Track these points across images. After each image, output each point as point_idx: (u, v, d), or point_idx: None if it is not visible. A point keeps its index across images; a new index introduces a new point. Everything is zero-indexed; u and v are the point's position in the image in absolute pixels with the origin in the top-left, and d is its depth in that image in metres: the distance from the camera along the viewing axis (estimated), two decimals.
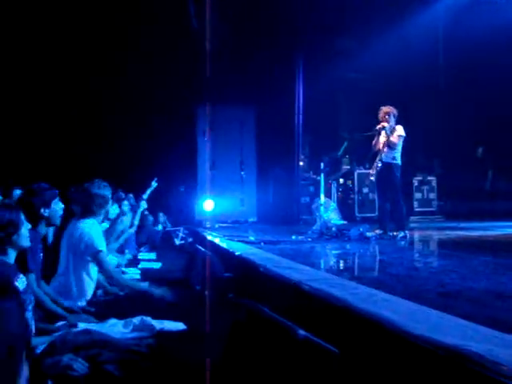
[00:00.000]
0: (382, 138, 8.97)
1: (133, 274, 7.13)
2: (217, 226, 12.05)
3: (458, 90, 13.67)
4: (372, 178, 9.44)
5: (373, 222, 10.44)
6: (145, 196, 10.12)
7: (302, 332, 2.62)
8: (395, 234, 8.82)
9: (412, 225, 11.12)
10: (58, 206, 5.01)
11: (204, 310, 4.62)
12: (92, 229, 5.29)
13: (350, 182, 13.71)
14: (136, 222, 9.85)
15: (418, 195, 13.81)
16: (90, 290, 5.27)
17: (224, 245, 7.78)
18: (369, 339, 2.92)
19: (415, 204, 13.74)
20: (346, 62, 13.29)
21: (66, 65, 13.67)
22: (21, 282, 3.84)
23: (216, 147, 13.03)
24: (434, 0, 13.27)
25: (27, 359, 3.01)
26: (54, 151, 13.65)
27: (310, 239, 8.85)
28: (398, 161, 8.93)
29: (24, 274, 3.85)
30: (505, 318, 3.15)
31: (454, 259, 6.33)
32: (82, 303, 5.05)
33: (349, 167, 14.18)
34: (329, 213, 10.29)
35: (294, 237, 9.02)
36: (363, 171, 13.14)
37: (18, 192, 9.04)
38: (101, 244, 5.25)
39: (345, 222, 11.20)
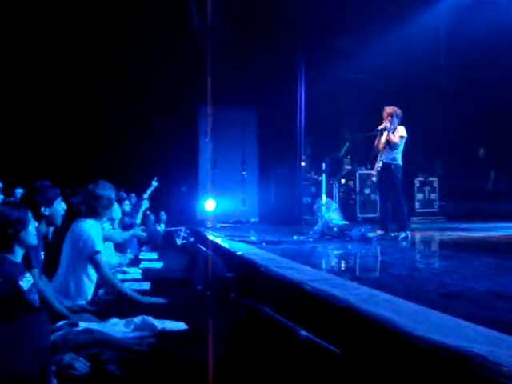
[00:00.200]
0: (384, 139, 8.97)
1: (134, 273, 7.13)
2: (218, 225, 12.06)
3: (460, 90, 13.66)
4: (374, 179, 9.44)
5: (374, 223, 10.43)
6: (145, 195, 10.14)
7: (303, 332, 2.61)
8: (397, 234, 8.81)
9: (413, 225, 11.11)
10: (59, 206, 5.01)
11: (205, 310, 4.62)
12: (92, 229, 5.29)
13: (351, 183, 13.71)
14: (138, 221, 9.86)
15: (419, 196, 13.81)
16: (89, 291, 5.26)
17: (226, 245, 7.79)
18: (370, 340, 2.92)
19: (417, 205, 13.74)
20: (347, 62, 13.29)
21: (67, 65, 13.68)
22: (26, 282, 3.85)
23: (217, 147, 13.03)
24: (435, 0, 13.28)
25: None
26: (55, 151, 13.67)
27: (311, 239, 8.85)
28: (399, 161, 8.92)
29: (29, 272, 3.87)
30: (506, 319, 3.15)
31: (455, 260, 6.33)
32: (81, 304, 5.04)
33: (350, 168, 14.18)
34: (330, 213, 10.29)
35: (295, 237, 9.02)
36: (365, 172, 13.15)
37: (19, 191, 9.08)
38: (99, 245, 5.24)
39: (346, 223, 11.19)
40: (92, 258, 5.18)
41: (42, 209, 4.77)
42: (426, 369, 2.44)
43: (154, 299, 5.15)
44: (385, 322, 2.87)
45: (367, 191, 13.27)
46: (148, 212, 10.45)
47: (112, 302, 5.18)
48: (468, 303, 3.74)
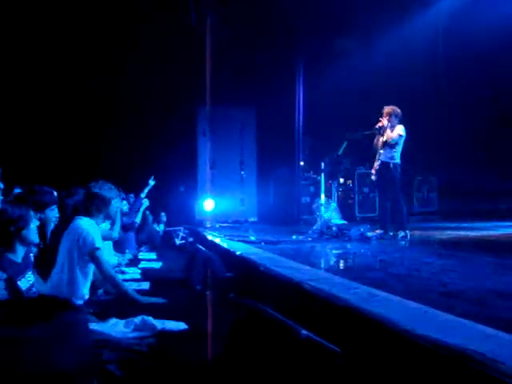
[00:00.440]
0: (383, 138, 8.98)
1: (133, 273, 7.13)
2: (217, 225, 12.06)
3: (459, 90, 13.66)
4: (373, 178, 9.44)
5: (373, 222, 10.43)
6: (142, 195, 10.13)
7: (304, 332, 2.62)
8: (396, 233, 8.81)
9: (412, 225, 11.10)
10: (52, 213, 5.02)
11: (205, 310, 4.62)
12: (90, 226, 5.28)
13: (350, 182, 13.71)
14: (138, 220, 9.86)
15: (418, 195, 13.82)
16: (83, 289, 5.22)
17: (225, 245, 7.79)
18: (370, 339, 2.92)
19: (416, 204, 13.74)
20: (345, 62, 13.29)
21: (66, 65, 13.68)
22: (25, 281, 3.85)
23: (216, 147, 13.03)
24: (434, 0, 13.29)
25: None
26: (54, 151, 13.66)
27: (310, 239, 8.86)
28: (397, 160, 8.91)
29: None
30: (506, 318, 3.16)
31: (454, 259, 6.33)
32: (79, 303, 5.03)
33: (349, 167, 14.18)
34: (329, 213, 10.31)
35: (294, 237, 9.02)
36: (363, 171, 13.15)
37: (18, 191, 9.07)
38: (98, 241, 5.23)
39: (345, 222, 11.20)
40: (92, 255, 5.17)
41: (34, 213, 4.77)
42: (426, 367, 2.45)
43: (153, 299, 5.15)
44: (384, 320, 2.87)
45: (366, 190, 13.28)
46: (147, 212, 10.44)
47: (112, 302, 5.18)
48: (468, 302, 3.74)
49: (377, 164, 9.10)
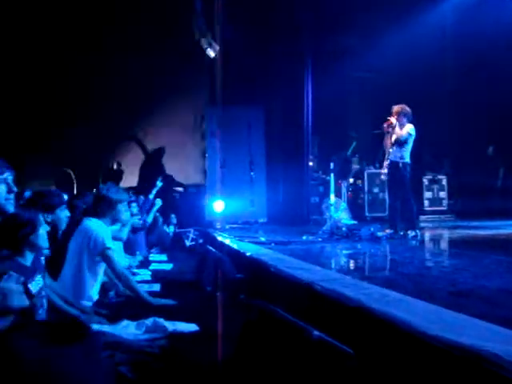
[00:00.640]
0: (392, 137, 8.96)
1: (144, 275, 7.14)
2: (227, 226, 12.05)
3: (468, 88, 13.60)
4: (383, 177, 9.42)
5: (383, 222, 10.41)
6: (151, 196, 10.14)
7: (316, 332, 2.61)
8: (406, 233, 8.79)
9: (422, 224, 11.08)
10: (62, 213, 5.03)
11: (216, 312, 4.62)
12: (99, 227, 5.29)
13: (359, 182, 13.66)
14: (149, 220, 9.87)
15: (428, 194, 13.75)
16: (91, 291, 5.22)
17: (235, 246, 7.79)
18: (383, 339, 2.91)
19: (425, 203, 13.68)
20: (354, 60, 13.28)
21: (70, 66, 13.70)
22: (35, 285, 3.86)
23: (225, 147, 13.01)
24: None
25: None
26: (65, 155, 13.69)
27: (320, 239, 8.84)
28: (407, 159, 8.88)
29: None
30: None
31: (465, 258, 6.31)
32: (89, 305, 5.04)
33: (358, 167, 14.14)
34: (339, 213, 10.29)
35: (304, 237, 9.01)
36: (373, 171, 13.10)
37: (28, 194, 9.11)
38: (108, 241, 5.24)
39: (355, 222, 11.16)
40: (103, 255, 5.18)
41: (45, 215, 4.79)
42: (440, 368, 2.43)
43: (164, 301, 5.15)
44: (397, 321, 2.86)
45: (376, 190, 13.22)
46: (157, 214, 10.45)
47: (123, 304, 5.19)
48: (480, 301, 3.73)
49: (386, 163, 9.08)
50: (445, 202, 13.86)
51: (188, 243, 11.22)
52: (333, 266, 6.35)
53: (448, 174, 14.10)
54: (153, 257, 9.32)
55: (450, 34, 14.46)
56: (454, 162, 14.67)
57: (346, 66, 13.32)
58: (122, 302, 5.33)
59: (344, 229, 9.37)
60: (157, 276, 7.04)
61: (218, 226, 11.95)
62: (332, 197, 10.49)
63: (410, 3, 12.73)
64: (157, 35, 13.26)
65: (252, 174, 13.16)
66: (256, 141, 13.64)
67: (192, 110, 14.17)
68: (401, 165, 8.85)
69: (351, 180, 13.76)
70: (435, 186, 13.86)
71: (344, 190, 12.80)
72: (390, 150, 8.97)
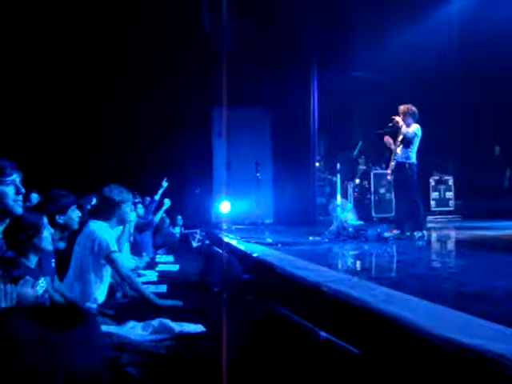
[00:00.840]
0: (398, 138, 8.95)
1: (150, 276, 7.14)
2: (234, 227, 12.06)
3: (475, 89, 13.57)
4: (389, 178, 9.42)
5: (390, 223, 10.40)
6: (157, 197, 10.15)
7: (323, 334, 2.61)
8: (413, 234, 8.77)
9: (429, 224, 11.05)
10: (74, 214, 5.05)
11: (222, 313, 4.62)
12: (103, 230, 5.28)
13: (366, 183, 13.65)
14: (156, 220, 9.89)
15: (434, 194, 13.74)
16: (98, 293, 5.23)
17: (241, 247, 7.78)
18: (390, 340, 2.90)
19: (432, 203, 13.66)
20: (360, 61, 13.26)
21: (80, 71, 13.76)
22: (39, 287, 3.88)
23: (231, 149, 13.05)
24: None
25: None
26: (69, 155, 13.74)
27: (327, 240, 8.83)
28: (413, 160, 8.86)
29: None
30: None
31: (472, 259, 6.30)
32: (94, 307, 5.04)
33: (365, 167, 14.14)
34: (345, 213, 10.27)
35: (311, 238, 9.01)
36: (379, 171, 13.09)
37: (35, 196, 9.14)
38: (113, 244, 5.24)
39: (362, 223, 11.16)
40: (108, 258, 5.18)
41: (57, 217, 4.80)
42: (445, 368, 2.43)
43: (170, 302, 5.15)
44: (403, 322, 2.86)
45: (382, 191, 13.21)
46: (163, 215, 10.47)
47: (129, 306, 5.19)
48: (487, 302, 3.72)
49: (392, 164, 9.07)
50: (452, 203, 13.84)
51: (195, 244, 11.24)
52: (340, 266, 6.35)
53: (455, 175, 14.08)
54: (160, 258, 9.33)
55: (456, 33, 14.43)
56: (461, 162, 14.63)
57: (351, 66, 13.31)
58: (128, 303, 5.33)
59: (350, 229, 9.37)
60: (163, 277, 7.04)
61: (225, 227, 11.96)
62: (338, 197, 10.49)
63: (415, 3, 12.72)
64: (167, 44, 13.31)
65: (258, 174, 13.18)
66: (262, 142, 13.68)
67: (198, 110, 14.18)
68: (407, 165, 8.84)
69: (357, 181, 13.75)
70: (442, 187, 13.84)
71: (350, 190, 12.80)
72: (397, 151, 8.96)
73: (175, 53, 13.43)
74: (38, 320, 1.38)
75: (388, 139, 9.10)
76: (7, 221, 3.49)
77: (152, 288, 5.97)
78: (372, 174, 13.41)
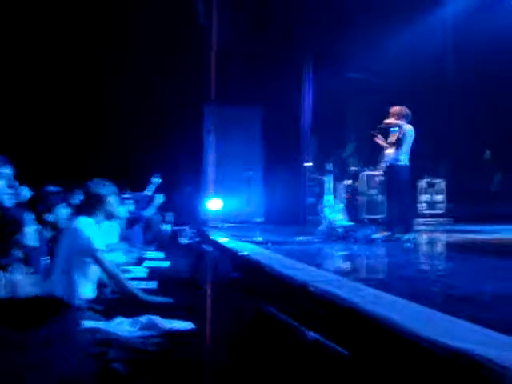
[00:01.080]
0: (392, 138, 8.96)
1: (139, 272, 7.11)
2: (224, 225, 12.05)
3: (466, 92, 13.62)
4: (378, 179, 9.43)
5: (380, 224, 10.41)
6: (149, 193, 10.12)
7: (311, 334, 2.61)
8: (403, 235, 8.78)
9: (419, 227, 11.08)
10: (61, 212, 5.02)
11: (211, 310, 4.62)
12: (87, 227, 5.22)
13: (357, 183, 13.65)
14: (148, 214, 9.85)
15: (425, 197, 13.76)
16: (82, 290, 5.16)
17: (231, 245, 7.79)
18: (377, 341, 2.91)
19: (423, 206, 13.69)
20: (353, 61, 13.27)
21: (72, 66, 13.70)
22: None
23: (223, 146, 13.02)
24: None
25: None
26: (58, 150, 13.66)
27: (316, 240, 8.84)
28: (404, 162, 8.86)
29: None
30: None
31: (461, 262, 6.32)
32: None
33: (356, 168, 14.13)
34: (335, 214, 10.28)
35: (300, 237, 9.01)
36: (370, 172, 13.10)
37: (25, 189, 9.08)
38: (97, 242, 5.18)
39: (351, 224, 11.16)
40: (92, 256, 5.13)
41: (46, 215, 4.78)
42: (433, 371, 2.44)
43: (159, 299, 5.13)
44: (391, 323, 2.86)
45: (373, 192, 13.21)
46: (156, 212, 10.45)
47: (118, 301, 5.17)
48: (474, 305, 3.73)
49: (383, 165, 9.08)
50: (442, 206, 13.86)
51: (183, 241, 11.21)
52: (328, 266, 6.35)
53: (446, 178, 14.11)
54: (150, 254, 9.30)
55: (451, 37, 14.47)
56: (452, 165, 14.67)
57: (345, 66, 13.32)
58: (117, 298, 5.31)
59: (340, 230, 9.37)
60: (153, 273, 7.02)
61: (215, 225, 11.95)
62: (328, 198, 10.49)
63: (410, 5, 12.74)
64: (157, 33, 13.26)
65: (249, 173, 13.16)
66: (253, 140, 13.67)
67: (190, 108, 14.14)
68: (397, 167, 8.84)
69: (349, 181, 13.74)
70: (432, 190, 13.86)
71: (341, 191, 12.80)
72: (388, 152, 8.97)
73: (168, 49, 13.39)
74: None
75: (380, 139, 9.10)
76: None
77: (142, 284, 5.96)
78: (363, 174, 13.40)
